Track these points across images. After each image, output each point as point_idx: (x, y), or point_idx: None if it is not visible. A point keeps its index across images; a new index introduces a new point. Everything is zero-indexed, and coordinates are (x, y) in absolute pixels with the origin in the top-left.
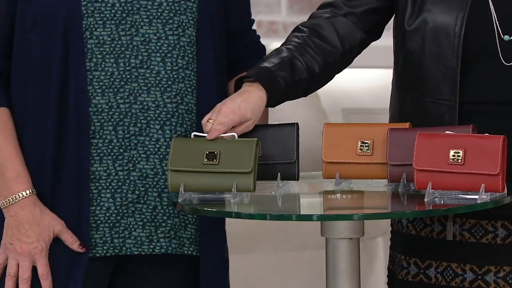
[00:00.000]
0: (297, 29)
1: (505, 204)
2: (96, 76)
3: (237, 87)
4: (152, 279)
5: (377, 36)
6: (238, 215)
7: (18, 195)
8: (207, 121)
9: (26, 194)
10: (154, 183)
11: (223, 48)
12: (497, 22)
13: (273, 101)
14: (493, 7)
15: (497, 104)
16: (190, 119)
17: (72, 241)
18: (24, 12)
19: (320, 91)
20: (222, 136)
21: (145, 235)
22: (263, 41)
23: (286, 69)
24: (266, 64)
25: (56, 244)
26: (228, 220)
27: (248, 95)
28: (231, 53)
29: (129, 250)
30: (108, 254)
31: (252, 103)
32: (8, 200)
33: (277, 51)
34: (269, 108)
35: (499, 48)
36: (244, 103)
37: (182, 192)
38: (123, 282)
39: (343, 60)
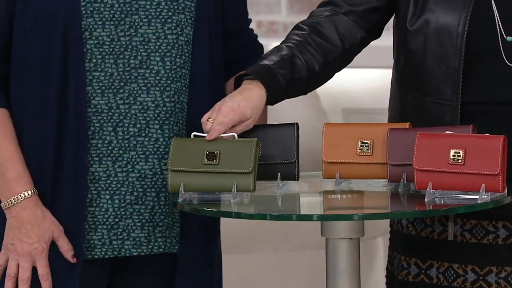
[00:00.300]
0: (297, 27)
1: (506, 204)
2: (96, 77)
3: (237, 84)
4: (151, 278)
5: (377, 35)
6: (238, 215)
7: (20, 195)
8: (207, 120)
9: (28, 194)
10: (153, 183)
11: (220, 48)
12: (499, 23)
13: (272, 99)
14: (495, 8)
15: (499, 105)
16: (182, 118)
17: (67, 249)
18: (24, 12)
19: (320, 91)
20: (222, 136)
21: (143, 235)
22: (263, 41)
23: (286, 67)
24: (266, 62)
25: (55, 245)
26: (228, 220)
27: (248, 93)
28: (229, 52)
29: (128, 251)
30: (107, 256)
31: (252, 102)
32: (10, 200)
33: (277, 49)
34: (269, 108)
35: (501, 49)
36: (244, 101)
37: (182, 192)
38: (122, 283)
39: (343, 58)
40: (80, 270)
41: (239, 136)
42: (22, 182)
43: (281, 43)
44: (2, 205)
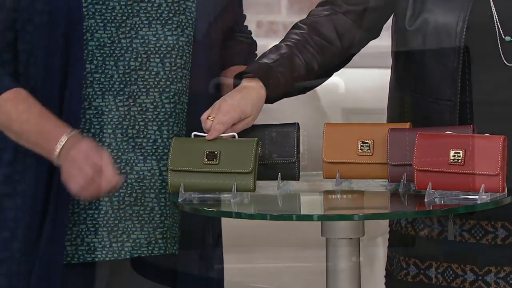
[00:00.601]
0: (296, 26)
1: (505, 204)
2: (97, 79)
3: (236, 83)
4: (151, 279)
5: (376, 35)
6: (238, 215)
7: (63, 137)
8: (207, 118)
9: (70, 133)
10: (151, 184)
11: (219, 47)
12: (498, 23)
13: (272, 97)
14: (494, 8)
15: (498, 104)
16: (182, 118)
17: (112, 178)
18: (26, 13)
19: (320, 91)
20: (222, 136)
21: (143, 237)
22: (263, 41)
23: (285, 65)
24: (265, 60)
25: (37, 250)
26: (228, 220)
27: (247, 92)
28: (224, 49)
29: (128, 253)
30: (107, 259)
31: (251, 99)
32: (57, 147)
33: (276, 47)
34: (269, 108)
35: (500, 49)
36: (244, 99)
37: (182, 192)
38: (121, 283)
39: (342, 58)
40: (60, 274)
41: (239, 135)
42: (60, 128)
43: (280, 42)
44: (54, 158)
